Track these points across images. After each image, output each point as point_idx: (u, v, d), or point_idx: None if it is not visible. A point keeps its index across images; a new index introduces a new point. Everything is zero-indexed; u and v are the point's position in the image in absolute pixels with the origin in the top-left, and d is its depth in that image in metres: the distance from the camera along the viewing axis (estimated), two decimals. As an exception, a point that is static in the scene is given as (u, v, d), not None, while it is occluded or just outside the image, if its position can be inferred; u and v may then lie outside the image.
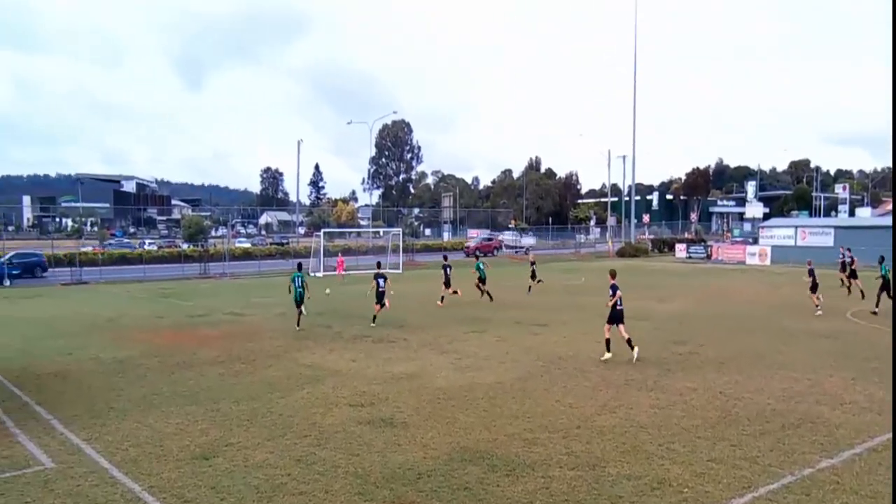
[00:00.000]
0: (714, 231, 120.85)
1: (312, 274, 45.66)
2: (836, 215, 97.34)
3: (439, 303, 28.25)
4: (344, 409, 12.64)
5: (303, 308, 22.71)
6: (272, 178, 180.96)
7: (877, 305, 25.30)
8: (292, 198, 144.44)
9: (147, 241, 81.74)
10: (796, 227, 59.75)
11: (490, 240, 78.27)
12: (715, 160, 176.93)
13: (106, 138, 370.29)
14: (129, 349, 19.18)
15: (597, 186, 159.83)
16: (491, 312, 26.23)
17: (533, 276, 34.10)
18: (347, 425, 11.60)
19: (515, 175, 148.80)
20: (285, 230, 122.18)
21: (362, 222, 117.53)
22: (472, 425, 11.54)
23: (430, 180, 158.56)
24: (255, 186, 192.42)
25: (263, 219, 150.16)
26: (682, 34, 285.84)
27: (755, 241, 64.50)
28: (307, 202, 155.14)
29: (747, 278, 43.32)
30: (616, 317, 17.00)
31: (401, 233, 58.78)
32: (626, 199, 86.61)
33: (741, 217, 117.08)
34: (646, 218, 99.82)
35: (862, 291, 29.27)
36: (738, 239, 77.18)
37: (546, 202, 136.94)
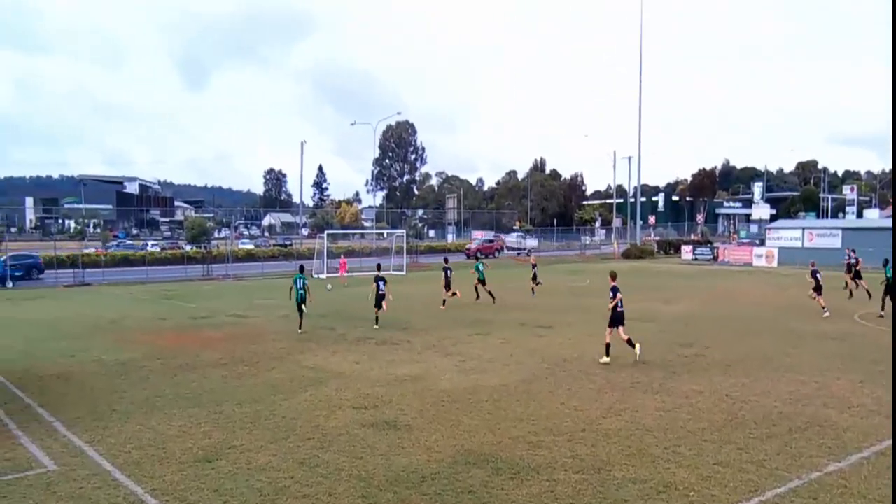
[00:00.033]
0: (720, 232, 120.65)
1: (316, 276, 45.62)
2: (844, 217, 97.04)
3: (442, 306, 28.16)
4: (347, 412, 12.59)
5: (304, 307, 22.61)
6: (275, 179, 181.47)
7: (882, 308, 25.20)
8: (295, 199, 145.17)
9: (150, 243, 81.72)
10: (803, 228, 59.53)
11: (492, 241, 77.91)
12: (721, 161, 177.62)
13: (108, 139, 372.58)
14: (131, 351, 19.14)
15: (602, 188, 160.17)
16: (495, 314, 26.18)
17: (534, 279, 34.03)
18: (351, 428, 11.55)
19: (520, 176, 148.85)
20: (288, 232, 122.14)
21: (366, 224, 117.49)
22: (476, 428, 11.48)
23: (434, 181, 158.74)
24: (259, 188, 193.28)
25: (266, 220, 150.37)
26: (688, 34, 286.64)
27: (762, 243, 64.26)
28: (310, 203, 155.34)
29: (754, 280, 43.14)
30: (617, 319, 16.90)
31: (404, 234, 58.61)
32: (632, 200, 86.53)
33: (748, 218, 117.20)
34: (651, 219, 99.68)
35: (868, 291, 29.17)
36: (744, 240, 77.12)
37: (551, 203, 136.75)
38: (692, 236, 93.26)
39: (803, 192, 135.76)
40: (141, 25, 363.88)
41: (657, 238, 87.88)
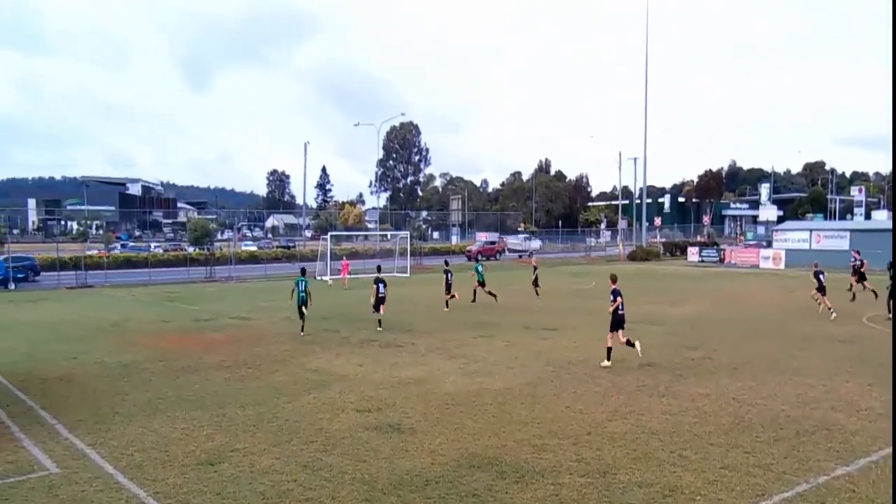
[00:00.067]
0: (727, 234, 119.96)
1: (319, 278, 45.57)
2: (852, 218, 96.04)
3: (446, 308, 28.10)
4: (351, 415, 12.54)
5: (304, 310, 22.55)
6: (278, 180, 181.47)
7: (889, 311, 25.08)
8: (299, 200, 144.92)
9: (153, 245, 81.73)
10: (811, 230, 59.20)
11: (493, 243, 77.62)
12: (728, 162, 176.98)
13: (111, 140, 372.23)
14: (134, 353, 19.10)
15: (607, 189, 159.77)
16: (499, 317, 26.11)
17: (535, 282, 33.97)
18: (354, 431, 11.51)
19: (525, 177, 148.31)
20: (292, 233, 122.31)
21: (370, 225, 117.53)
22: (480, 431, 11.43)
23: (438, 183, 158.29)
24: (262, 189, 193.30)
25: (270, 222, 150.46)
26: (694, 33, 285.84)
27: (769, 245, 63.93)
28: (314, 205, 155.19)
29: (761, 282, 43.03)
30: (617, 323, 16.80)
31: (408, 236, 58.48)
32: (638, 201, 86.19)
33: (754, 220, 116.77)
34: (657, 221, 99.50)
35: (874, 292, 29.06)
36: (751, 242, 76.68)
37: (556, 205, 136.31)
38: (698, 238, 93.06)
39: (811, 193, 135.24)
40: (143, 26, 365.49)
41: (663, 240, 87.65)
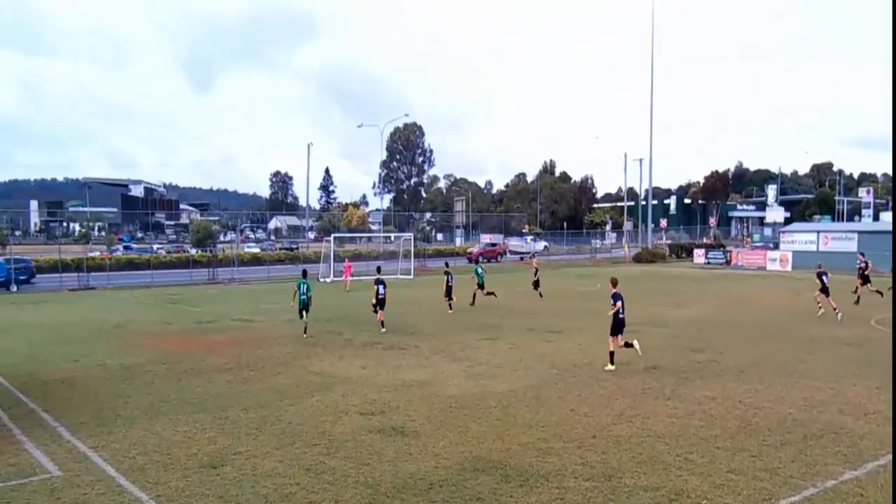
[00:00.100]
0: (733, 236, 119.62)
1: (322, 279, 45.56)
2: (860, 220, 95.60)
3: (449, 310, 28.05)
4: (354, 418, 12.50)
5: (305, 313, 22.55)
6: (281, 182, 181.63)
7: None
8: (302, 202, 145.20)
9: (155, 246, 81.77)
10: (818, 231, 58.74)
11: (494, 245, 77.38)
12: (734, 163, 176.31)
13: (113, 142, 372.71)
14: (136, 355, 19.08)
15: (613, 190, 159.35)
16: (503, 319, 26.06)
17: (536, 285, 33.96)
18: (358, 434, 11.46)
19: (529, 179, 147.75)
20: (295, 235, 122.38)
21: (373, 227, 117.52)
22: (484, 434, 11.37)
23: (442, 184, 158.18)
24: (265, 190, 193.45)
25: (273, 223, 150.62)
26: (700, 34, 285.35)
27: (776, 247, 63.65)
28: (317, 206, 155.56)
29: (768, 284, 42.78)
30: (618, 327, 16.71)
31: (412, 238, 58.42)
32: (643, 203, 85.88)
33: (761, 222, 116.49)
34: (663, 222, 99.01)
35: (879, 292, 28.94)
36: (758, 244, 76.56)
37: (561, 206, 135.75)
38: (705, 240, 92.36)
39: (818, 194, 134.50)
40: (145, 26, 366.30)
41: (669, 241, 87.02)
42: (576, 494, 8.79)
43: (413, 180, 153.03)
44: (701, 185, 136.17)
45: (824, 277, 26.02)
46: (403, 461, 10.11)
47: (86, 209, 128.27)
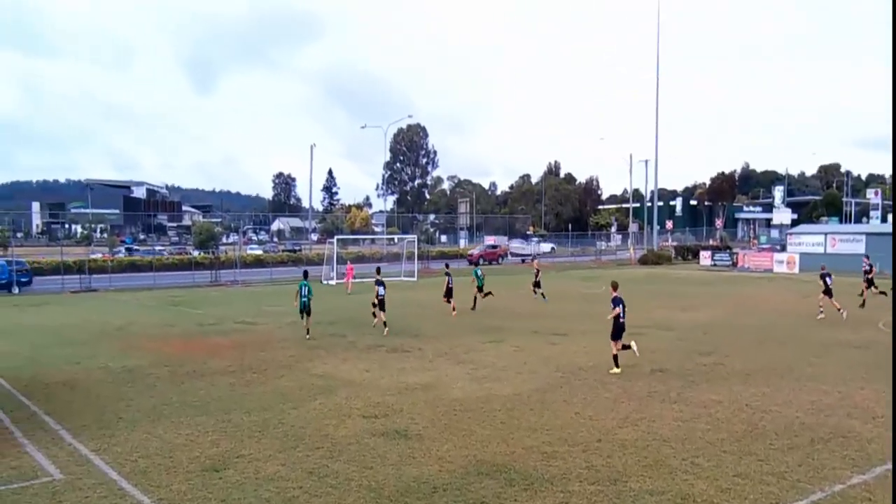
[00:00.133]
0: (740, 238, 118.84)
1: (325, 282, 45.51)
2: (868, 221, 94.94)
3: (453, 312, 27.99)
4: (357, 421, 12.45)
5: (306, 315, 22.55)
6: (284, 183, 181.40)
7: None
8: (305, 204, 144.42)
9: (157, 248, 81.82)
10: (826, 233, 58.43)
11: (495, 247, 76.99)
12: (741, 164, 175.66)
13: (116, 143, 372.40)
14: (138, 358, 19.05)
15: (618, 192, 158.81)
16: (508, 321, 25.98)
17: (537, 286, 33.90)
18: (361, 437, 11.42)
19: (534, 180, 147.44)
20: (298, 237, 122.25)
21: (376, 229, 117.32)
22: (488, 438, 11.32)
23: (445, 185, 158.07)
24: (267, 192, 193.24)
25: (275, 225, 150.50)
26: (706, 34, 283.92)
27: (783, 249, 63.05)
28: (320, 208, 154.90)
29: (775, 287, 42.59)
30: (619, 330, 16.64)
31: (416, 239, 58.26)
32: (649, 204, 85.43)
33: (768, 223, 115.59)
34: (669, 224, 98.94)
35: (883, 293, 28.84)
36: (764, 246, 75.98)
37: (565, 208, 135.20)
38: (711, 242, 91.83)
39: (825, 196, 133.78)
40: (146, 27, 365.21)
41: (675, 243, 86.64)
42: (581, 499, 8.74)
43: (417, 182, 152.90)
44: (707, 186, 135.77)
45: (827, 279, 25.94)
46: (407, 465, 10.06)
47: (88, 211, 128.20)
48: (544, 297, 33.20)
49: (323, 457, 10.44)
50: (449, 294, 28.64)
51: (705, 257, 66.28)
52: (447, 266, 31.43)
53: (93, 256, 57.67)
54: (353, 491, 9.06)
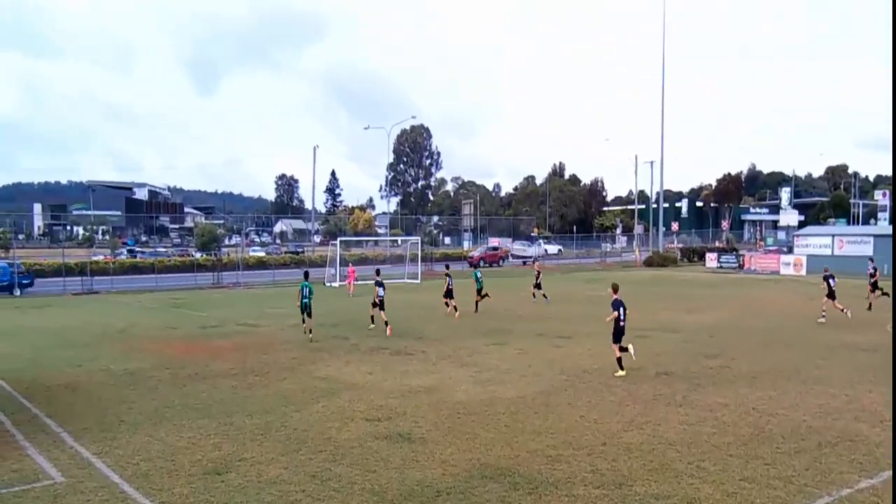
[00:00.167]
0: (746, 240, 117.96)
1: (328, 284, 45.47)
2: (876, 223, 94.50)
3: (456, 314, 27.97)
4: (360, 424, 12.39)
5: (305, 317, 22.60)
6: (287, 185, 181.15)
7: None
8: (308, 205, 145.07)
9: (159, 250, 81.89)
10: (833, 235, 57.90)
11: (496, 249, 76.56)
12: (747, 165, 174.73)
13: (117, 145, 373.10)
14: (140, 360, 19.02)
15: (623, 193, 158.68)
16: (512, 324, 25.92)
17: (538, 287, 33.86)
18: (364, 440, 11.36)
19: (538, 181, 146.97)
20: (300, 239, 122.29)
21: (380, 230, 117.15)
22: (492, 441, 11.25)
23: (449, 187, 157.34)
24: (270, 194, 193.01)
25: (278, 227, 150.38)
26: (713, 33, 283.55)
27: (790, 251, 62.78)
28: (323, 210, 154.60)
29: (781, 289, 42.47)
30: (619, 333, 16.58)
31: (419, 241, 58.27)
32: (654, 206, 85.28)
33: (775, 225, 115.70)
34: (674, 226, 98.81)
35: (886, 293, 28.75)
36: (771, 248, 75.77)
37: (570, 209, 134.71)
38: (717, 243, 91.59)
39: (833, 197, 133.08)
40: (148, 27, 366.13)
41: (680, 245, 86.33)
42: (586, 503, 8.69)
43: (420, 183, 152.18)
44: (713, 187, 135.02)
45: (831, 281, 25.83)
46: (410, 468, 10.00)
47: (89, 212, 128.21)
48: (546, 297, 33.18)
49: (326, 460, 10.37)
50: (449, 295, 28.76)
51: (711, 259, 65.91)
52: (447, 267, 31.52)
53: (94, 258, 57.72)
54: (356, 495, 9.00)
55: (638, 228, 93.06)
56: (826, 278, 25.99)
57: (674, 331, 23.56)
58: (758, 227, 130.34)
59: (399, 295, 37.04)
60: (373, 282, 25.04)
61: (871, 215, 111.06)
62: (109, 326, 26.42)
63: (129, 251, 76.72)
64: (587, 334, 22.90)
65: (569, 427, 12.02)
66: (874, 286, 30.25)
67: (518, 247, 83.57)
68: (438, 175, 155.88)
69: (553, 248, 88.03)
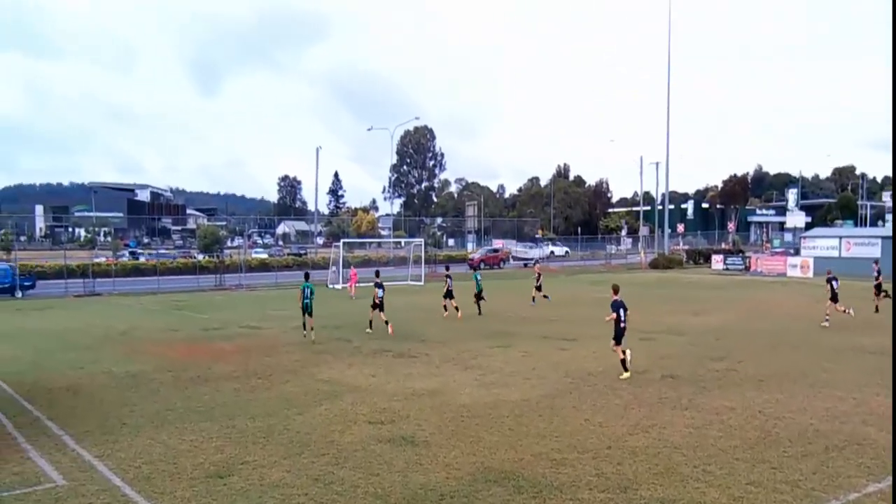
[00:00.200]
0: (753, 241, 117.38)
1: (331, 286, 45.41)
2: (884, 225, 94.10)
3: (458, 314, 27.94)
4: (363, 427, 12.33)
5: (307, 318, 22.61)
6: (290, 186, 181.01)
7: None
8: (310, 207, 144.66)
9: (161, 252, 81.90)
10: (840, 237, 57.61)
11: (496, 251, 76.55)
12: (753, 167, 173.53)
13: (120, 146, 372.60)
14: (142, 363, 18.99)
15: (628, 194, 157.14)
16: (516, 326, 25.85)
17: (539, 289, 33.88)
18: (367, 443, 11.30)
19: (543, 183, 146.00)
20: (303, 240, 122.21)
21: (383, 232, 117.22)
22: (496, 444, 11.19)
23: (453, 188, 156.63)
24: (273, 195, 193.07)
25: (281, 228, 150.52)
26: (718, 33, 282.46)
27: (796, 253, 62.52)
28: (326, 211, 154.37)
29: (788, 291, 42.29)
30: (619, 334, 16.54)
31: (423, 243, 58.04)
32: (660, 207, 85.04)
33: (781, 227, 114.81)
34: (680, 227, 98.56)
35: (889, 295, 28.64)
36: (778, 250, 75.34)
37: (575, 211, 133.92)
38: (723, 245, 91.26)
39: (840, 198, 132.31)
40: (149, 28, 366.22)
41: (686, 247, 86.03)
42: (590, 507, 8.62)
43: (424, 184, 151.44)
44: (719, 189, 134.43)
45: (834, 283, 25.71)
46: (414, 472, 9.94)
47: (91, 214, 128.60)
48: (546, 297, 33.16)
49: (328, 463, 10.33)
50: (449, 295, 28.85)
51: (717, 261, 65.58)
52: (447, 268, 31.58)
53: (96, 260, 57.67)
54: (360, 498, 8.96)
55: (643, 230, 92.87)
56: (829, 281, 25.89)
57: (679, 333, 23.48)
58: (764, 229, 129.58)
59: (402, 297, 37.02)
60: (373, 284, 25.04)
61: (878, 217, 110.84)
62: (111, 329, 26.41)
63: (131, 253, 76.80)
64: (592, 337, 22.78)
65: (573, 430, 11.95)
66: (878, 288, 30.17)
67: (519, 249, 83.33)
68: (442, 176, 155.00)
69: (560, 250, 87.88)
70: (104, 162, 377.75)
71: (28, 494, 9.16)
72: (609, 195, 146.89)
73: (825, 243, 57.37)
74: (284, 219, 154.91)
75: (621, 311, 16.48)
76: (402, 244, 68.93)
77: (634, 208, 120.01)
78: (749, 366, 17.83)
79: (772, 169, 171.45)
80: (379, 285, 24.22)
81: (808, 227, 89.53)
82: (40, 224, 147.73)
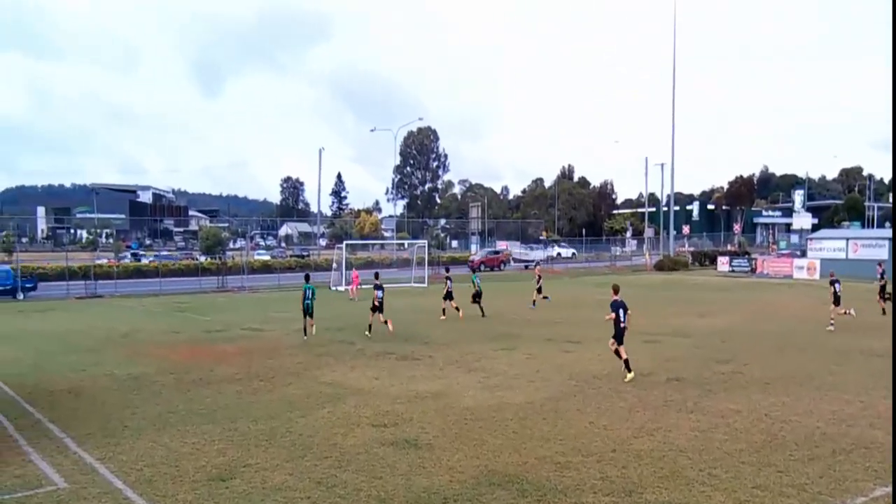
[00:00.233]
0: (759, 243, 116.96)
1: (334, 288, 45.38)
2: (891, 226, 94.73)
3: (460, 315, 27.93)
4: (366, 430, 12.28)
5: (307, 319, 22.55)
6: (292, 187, 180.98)
7: None
8: (313, 208, 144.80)
9: (163, 253, 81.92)
10: (847, 238, 57.53)
11: (497, 253, 76.26)
12: (759, 168, 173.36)
13: (121, 147, 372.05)
14: (144, 365, 18.96)
15: (633, 196, 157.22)
16: (520, 329, 25.79)
17: (538, 291, 33.83)
18: (370, 446, 11.25)
19: (547, 184, 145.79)
20: (306, 242, 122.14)
21: (386, 234, 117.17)
22: (500, 447, 11.14)
23: (457, 190, 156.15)
24: (275, 196, 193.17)
25: (283, 230, 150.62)
26: (724, 33, 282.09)
27: (803, 254, 62.09)
28: (329, 213, 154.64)
29: (795, 293, 42.12)
30: (618, 335, 16.47)
31: (426, 245, 58.06)
32: (665, 209, 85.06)
33: (788, 228, 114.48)
34: (685, 229, 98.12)
35: (889, 296, 28.56)
36: (784, 251, 75.07)
37: (579, 212, 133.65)
38: (729, 247, 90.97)
39: (847, 200, 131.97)
40: (151, 29, 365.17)
41: (692, 249, 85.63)
42: (596, 510, 8.57)
43: (427, 186, 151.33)
44: (725, 190, 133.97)
45: (836, 286, 25.60)
46: (417, 475, 9.90)
47: (93, 216, 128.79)
48: (546, 298, 33.12)
49: (331, 466, 10.28)
50: (449, 297, 28.88)
51: (723, 263, 65.44)
52: (447, 270, 31.63)
53: (98, 262, 57.65)
54: (362, 501, 8.91)
55: (648, 232, 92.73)
56: (832, 283, 25.79)
57: (685, 335, 23.39)
58: (770, 231, 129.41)
59: (405, 299, 37.00)
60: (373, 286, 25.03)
61: (886, 218, 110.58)
62: (113, 331, 26.40)
63: (133, 255, 76.79)
64: (597, 339, 22.61)
65: (578, 433, 11.90)
66: (883, 290, 30.08)
67: (520, 250, 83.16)
68: (445, 177, 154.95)
69: (567, 252, 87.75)
70: (105, 163, 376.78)
71: (29, 497, 9.13)
72: (614, 196, 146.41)
73: (832, 245, 57.21)
74: (287, 220, 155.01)
75: (621, 312, 16.42)
76: (406, 246, 68.93)
77: (639, 210, 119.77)
78: (755, 368, 17.75)
79: (778, 170, 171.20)
80: (379, 287, 24.14)
81: (815, 228, 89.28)
82: (42, 226, 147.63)
